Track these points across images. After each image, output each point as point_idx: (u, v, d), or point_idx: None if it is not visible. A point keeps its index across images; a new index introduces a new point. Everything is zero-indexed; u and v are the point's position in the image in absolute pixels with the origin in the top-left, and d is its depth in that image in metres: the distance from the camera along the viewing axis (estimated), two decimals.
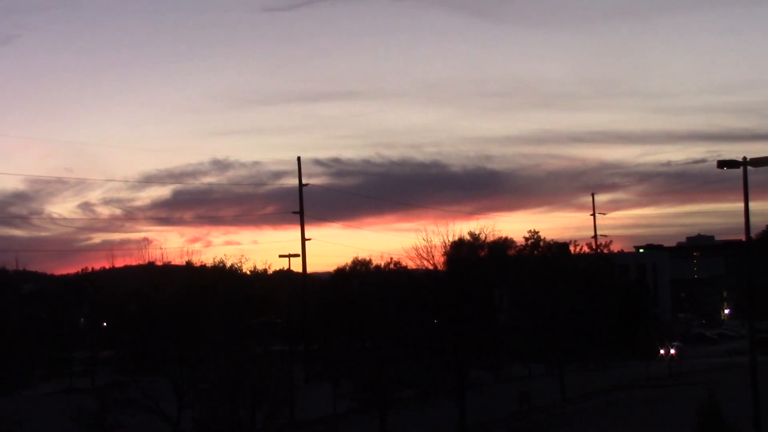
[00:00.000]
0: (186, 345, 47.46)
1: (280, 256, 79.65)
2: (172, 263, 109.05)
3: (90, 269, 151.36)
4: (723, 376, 75.68)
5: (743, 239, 45.38)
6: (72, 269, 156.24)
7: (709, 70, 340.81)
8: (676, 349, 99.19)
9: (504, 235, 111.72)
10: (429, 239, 69.56)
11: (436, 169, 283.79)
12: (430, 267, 71.46)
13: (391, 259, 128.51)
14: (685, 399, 58.94)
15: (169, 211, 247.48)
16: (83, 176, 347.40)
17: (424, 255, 69.60)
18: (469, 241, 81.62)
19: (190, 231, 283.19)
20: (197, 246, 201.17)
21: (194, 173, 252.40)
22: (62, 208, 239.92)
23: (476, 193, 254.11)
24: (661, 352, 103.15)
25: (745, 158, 40.10)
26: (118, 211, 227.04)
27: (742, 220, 40.73)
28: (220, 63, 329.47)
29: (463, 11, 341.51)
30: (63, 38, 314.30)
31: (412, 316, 58.31)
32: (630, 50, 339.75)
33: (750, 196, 40.40)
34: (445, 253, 71.58)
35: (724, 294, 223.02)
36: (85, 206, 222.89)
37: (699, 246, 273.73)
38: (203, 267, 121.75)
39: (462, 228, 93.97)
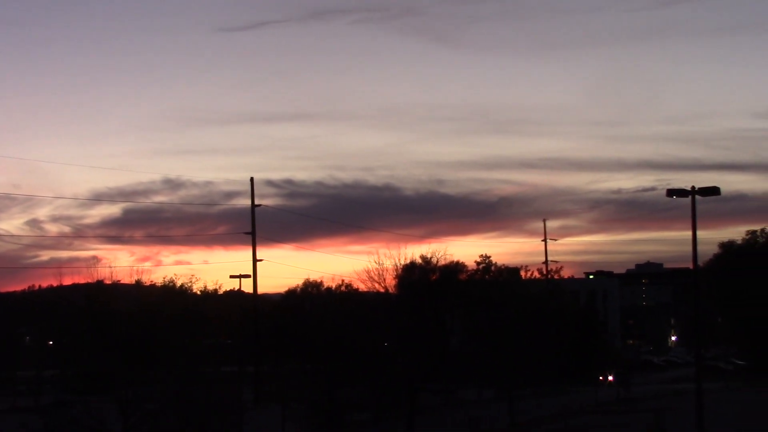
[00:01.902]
0: (134, 365, 46.94)
1: (232, 276, 79.47)
2: (122, 282, 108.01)
3: (37, 287, 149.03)
4: (670, 403, 76.35)
5: (691, 267, 45.95)
6: (19, 287, 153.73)
7: (659, 101, 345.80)
8: (614, 376, 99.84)
9: (455, 260, 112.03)
10: (381, 262, 69.92)
11: (388, 192, 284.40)
12: (382, 290, 71.72)
13: (343, 281, 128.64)
14: (634, 425, 59.38)
15: (119, 230, 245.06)
16: (31, 193, 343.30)
17: (376, 278, 70.00)
18: (420, 264, 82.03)
19: (140, 250, 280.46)
20: (147, 265, 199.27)
21: (145, 192, 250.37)
22: (9, 224, 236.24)
23: (428, 216, 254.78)
24: (608, 378, 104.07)
25: (693, 187, 40.75)
26: (66, 229, 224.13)
27: (690, 248, 41.40)
28: (173, 82, 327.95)
29: (419, 37, 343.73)
30: (13, 53, 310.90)
31: (363, 339, 58.26)
32: (582, 78, 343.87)
33: (698, 224, 41.05)
34: (397, 277, 71.90)
35: (672, 321, 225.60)
36: (33, 223, 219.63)
37: (648, 273, 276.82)
38: (153, 286, 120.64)
39: (414, 252, 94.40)
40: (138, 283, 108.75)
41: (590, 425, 70.96)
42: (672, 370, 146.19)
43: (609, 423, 71.36)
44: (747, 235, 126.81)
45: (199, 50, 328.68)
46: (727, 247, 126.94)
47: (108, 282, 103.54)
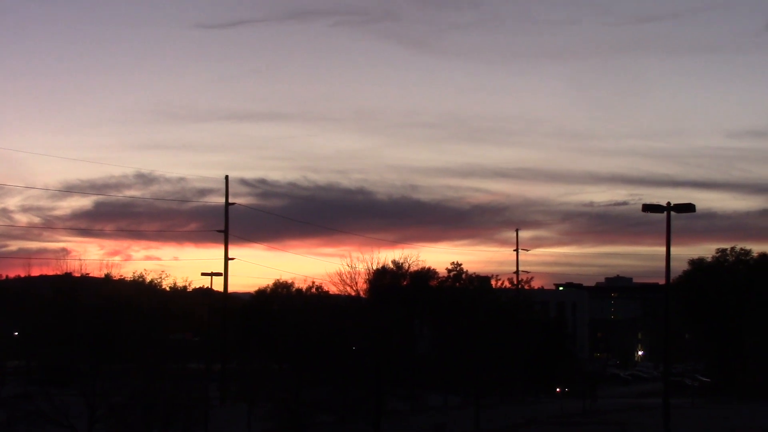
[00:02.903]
0: (101, 358, 46.57)
1: (203, 274, 79.08)
2: (91, 275, 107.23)
3: (5, 277, 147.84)
4: (636, 417, 76.76)
5: (660, 282, 46.22)
6: None
7: (633, 115, 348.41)
8: (572, 388, 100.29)
9: (427, 266, 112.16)
10: (353, 265, 69.69)
11: (361, 195, 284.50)
12: (353, 293, 71.56)
13: (314, 283, 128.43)
14: None
15: (89, 222, 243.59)
16: (2, 182, 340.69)
17: (347, 281, 69.77)
18: (392, 269, 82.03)
19: (111, 243, 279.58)
20: (117, 259, 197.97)
21: (117, 185, 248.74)
22: None
23: (401, 222, 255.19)
24: (563, 389, 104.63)
25: (669, 203, 40.95)
26: (36, 220, 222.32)
27: (659, 263, 41.72)
28: (150, 77, 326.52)
29: (398, 42, 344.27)
30: None
31: (331, 340, 58.12)
32: (557, 91, 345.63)
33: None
34: (368, 280, 71.78)
35: (639, 336, 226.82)
36: (2, 212, 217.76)
37: (617, 287, 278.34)
38: (122, 280, 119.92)
39: (386, 256, 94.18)
40: (107, 276, 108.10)
41: None
42: (638, 383, 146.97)
43: None
44: (717, 253, 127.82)
45: (177, 46, 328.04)
46: (697, 264, 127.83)
47: (77, 274, 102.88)
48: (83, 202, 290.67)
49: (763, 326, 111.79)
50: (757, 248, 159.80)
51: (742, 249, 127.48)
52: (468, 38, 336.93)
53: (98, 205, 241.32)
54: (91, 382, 44.98)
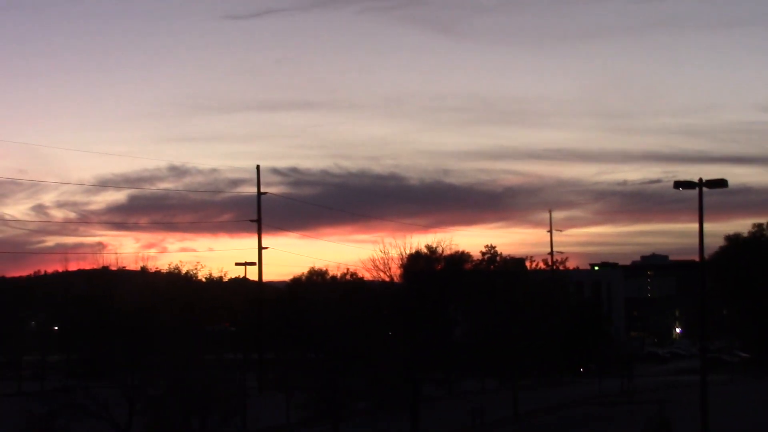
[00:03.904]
0: (138, 351, 47.00)
1: (237, 264, 79.47)
2: (127, 268, 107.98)
3: (42, 272, 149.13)
4: (673, 395, 76.38)
5: (696, 259, 45.90)
6: (24, 272, 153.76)
7: (665, 93, 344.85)
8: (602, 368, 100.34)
9: (461, 250, 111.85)
10: (386, 251, 69.57)
11: (393, 181, 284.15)
12: (387, 279, 71.45)
13: (348, 270, 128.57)
14: (637, 416, 59.38)
15: (124, 216, 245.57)
16: (37, 178, 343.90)
17: (381, 267, 69.61)
18: (425, 254, 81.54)
19: (146, 236, 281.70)
20: (152, 252, 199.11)
21: (151, 179, 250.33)
22: (15, 210, 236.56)
23: (433, 206, 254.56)
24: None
25: (701, 180, 40.62)
26: (72, 215, 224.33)
27: (695, 240, 41.26)
28: (180, 69, 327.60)
29: (425, 26, 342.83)
30: (18, 38, 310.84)
31: (367, 328, 58.22)
32: (587, 70, 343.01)
33: (704, 216, 40.91)
34: (402, 266, 71.61)
35: (676, 313, 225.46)
36: (39, 209, 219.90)
37: (652, 265, 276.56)
38: (158, 273, 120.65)
39: (419, 241, 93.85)
40: (143, 269, 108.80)
41: (592, 416, 71.05)
42: (676, 361, 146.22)
43: (610, 414, 71.43)
44: (753, 227, 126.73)
45: (205, 37, 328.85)
46: (733, 239, 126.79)
47: (113, 268, 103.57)
48: (117, 196, 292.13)
49: None
50: None
51: None
52: (495, 20, 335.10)
53: (132, 199, 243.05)
54: (129, 375, 45.43)
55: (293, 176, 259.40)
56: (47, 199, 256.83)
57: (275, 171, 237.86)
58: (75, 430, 44.62)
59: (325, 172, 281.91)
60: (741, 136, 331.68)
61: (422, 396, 60.96)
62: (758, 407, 71.84)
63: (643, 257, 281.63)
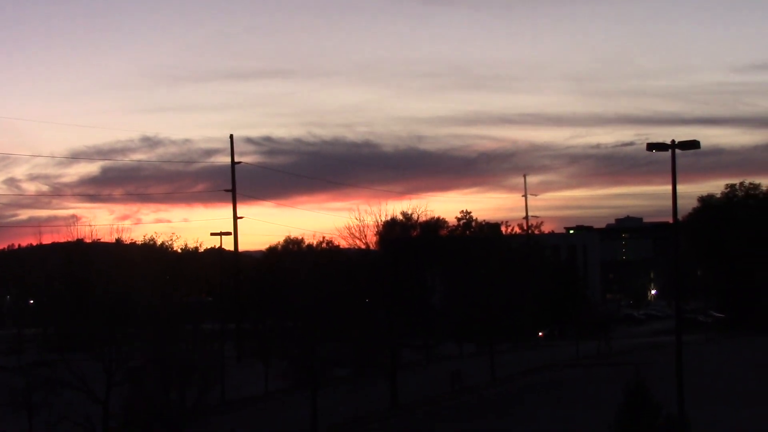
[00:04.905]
0: (115, 323, 46.85)
1: (212, 234, 79.20)
2: (101, 241, 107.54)
3: (16, 246, 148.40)
4: (650, 356, 77.12)
5: (670, 221, 46.19)
6: None
7: (636, 55, 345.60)
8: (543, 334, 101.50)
9: (436, 216, 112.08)
10: (361, 219, 69.56)
11: (367, 148, 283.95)
12: (363, 246, 71.51)
13: (324, 238, 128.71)
14: (613, 378, 59.91)
15: (97, 188, 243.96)
16: (8, 151, 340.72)
17: (357, 235, 69.65)
18: (401, 221, 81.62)
19: (120, 208, 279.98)
20: (127, 223, 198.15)
21: (123, 150, 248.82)
22: None
23: (408, 173, 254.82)
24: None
25: (673, 141, 40.74)
26: (45, 188, 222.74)
27: (669, 202, 41.51)
28: (150, 39, 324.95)
29: None
30: None
31: (344, 295, 58.31)
32: (560, 33, 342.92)
33: (677, 179, 41.10)
34: (378, 233, 71.65)
35: (652, 275, 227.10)
36: (11, 182, 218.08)
37: (627, 228, 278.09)
38: (133, 245, 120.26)
39: (394, 208, 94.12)
40: (118, 241, 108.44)
41: (568, 378, 71.68)
42: (652, 323, 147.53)
43: (587, 376, 72.10)
44: (726, 188, 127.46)
45: (176, 6, 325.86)
46: (706, 201, 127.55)
47: (88, 241, 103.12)
48: (90, 168, 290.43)
49: None
50: (766, 182, 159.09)
51: (751, 184, 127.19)
52: None
53: (105, 171, 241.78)
54: (107, 348, 45.32)
55: (267, 145, 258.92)
56: (19, 172, 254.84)
57: (249, 140, 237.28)
58: (53, 404, 44.58)
59: (298, 141, 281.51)
60: (713, 97, 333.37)
61: (401, 362, 61.24)
62: (732, 366, 72.75)
63: (618, 220, 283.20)
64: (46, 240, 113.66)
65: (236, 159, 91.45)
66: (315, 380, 49.52)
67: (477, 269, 78.23)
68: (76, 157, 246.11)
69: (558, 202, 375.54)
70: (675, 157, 40.67)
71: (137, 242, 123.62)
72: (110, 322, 46.85)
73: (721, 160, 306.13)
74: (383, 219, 71.82)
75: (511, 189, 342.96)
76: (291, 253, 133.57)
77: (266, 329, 69.46)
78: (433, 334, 78.69)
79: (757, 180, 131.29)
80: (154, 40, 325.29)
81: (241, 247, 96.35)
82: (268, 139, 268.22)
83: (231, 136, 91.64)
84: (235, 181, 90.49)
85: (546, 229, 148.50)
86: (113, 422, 42.93)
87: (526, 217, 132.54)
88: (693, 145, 40.67)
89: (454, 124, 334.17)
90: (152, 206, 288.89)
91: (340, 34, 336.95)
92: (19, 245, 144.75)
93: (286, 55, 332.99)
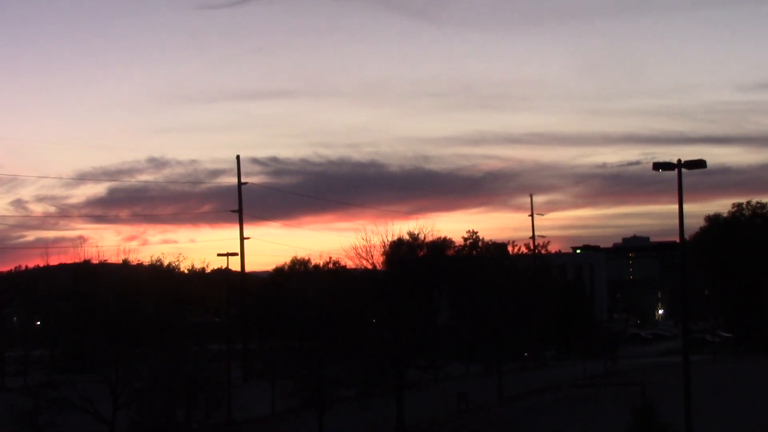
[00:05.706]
0: (122, 344, 46.89)
1: (219, 254, 79.12)
2: (108, 262, 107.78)
3: (23, 267, 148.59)
4: (657, 376, 76.84)
5: (677, 240, 46.12)
6: (4, 267, 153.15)
7: (643, 74, 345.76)
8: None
9: (443, 235, 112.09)
10: (368, 239, 69.48)
11: (373, 168, 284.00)
12: (369, 266, 71.40)
13: (330, 258, 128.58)
14: (620, 398, 59.70)
15: (104, 209, 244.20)
16: (15, 172, 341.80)
17: (363, 254, 69.52)
18: (408, 240, 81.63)
19: (126, 229, 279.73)
20: (133, 244, 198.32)
21: (130, 171, 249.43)
22: None
23: (414, 193, 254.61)
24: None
25: (679, 160, 40.72)
26: (52, 209, 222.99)
27: (676, 221, 41.34)
28: (157, 60, 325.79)
29: (401, 12, 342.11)
30: None
31: (350, 315, 58.24)
32: (566, 53, 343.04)
33: (684, 198, 41.05)
34: (384, 253, 71.58)
35: (659, 294, 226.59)
36: (18, 203, 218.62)
37: (634, 247, 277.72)
38: (140, 265, 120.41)
39: (401, 228, 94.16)
40: (125, 262, 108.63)
41: (576, 398, 71.41)
42: (659, 342, 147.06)
43: (594, 396, 71.82)
44: (733, 207, 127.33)
45: (182, 28, 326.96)
46: (713, 220, 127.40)
47: (94, 261, 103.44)
48: (97, 189, 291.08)
49: None
50: None
51: (758, 203, 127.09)
52: (471, 4, 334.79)
53: (112, 192, 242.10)
54: (113, 369, 45.31)
55: (273, 165, 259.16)
56: (26, 193, 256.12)
57: (255, 161, 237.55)
58: (59, 425, 44.53)
59: (305, 161, 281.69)
60: (719, 116, 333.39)
61: (407, 382, 61.03)
62: (740, 386, 72.40)
63: (625, 239, 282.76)
64: (53, 261, 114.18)
65: (243, 179, 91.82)
66: (322, 400, 49.42)
67: (484, 289, 78.15)
68: (82, 178, 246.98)
69: (564, 222, 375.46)
70: (681, 176, 40.66)
71: (144, 263, 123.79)
72: (117, 341, 46.92)
73: (727, 179, 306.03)
74: (390, 239, 71.76)
75: (518, 208, 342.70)
76: (297, 274, 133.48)
77: (273, 349, 69.41)
78: (439, 353, 78.53)
79: (763, 199, 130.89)
80: (161, 61, 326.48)
81: (248, 268, 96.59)
82: (274, 160, 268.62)
83: (237, 157, 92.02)
84: (241, 201, 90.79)
85: (553, 248, 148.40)
86: None
87: (533, 237, 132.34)
88: (699, 164, 40.65)
89: (460, 144, 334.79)
90: (159, 227, 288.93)
91: (345, 55, 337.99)
92: (26, 266, 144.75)
93: (292, 75, 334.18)
